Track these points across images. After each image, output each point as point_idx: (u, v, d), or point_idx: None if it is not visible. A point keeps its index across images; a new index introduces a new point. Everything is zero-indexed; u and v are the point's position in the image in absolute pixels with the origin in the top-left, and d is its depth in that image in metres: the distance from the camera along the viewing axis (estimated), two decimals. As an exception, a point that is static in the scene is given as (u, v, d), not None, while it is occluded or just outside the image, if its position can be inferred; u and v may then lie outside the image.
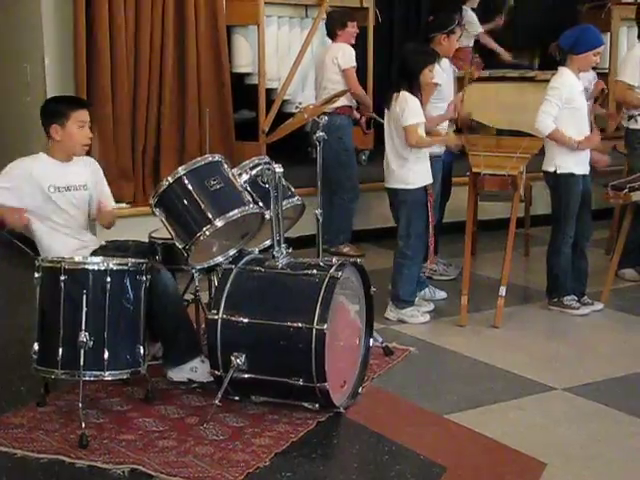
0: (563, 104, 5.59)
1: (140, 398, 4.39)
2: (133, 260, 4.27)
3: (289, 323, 4.11)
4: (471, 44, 8.90)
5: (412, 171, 5.54)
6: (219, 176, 4.38)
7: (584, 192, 5.76)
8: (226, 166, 4.47)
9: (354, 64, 7.24)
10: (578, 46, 5.60)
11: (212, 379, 4.39)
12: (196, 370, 4.48)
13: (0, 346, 5.21)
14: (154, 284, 4.35)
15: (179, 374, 4.50)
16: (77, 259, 4.26)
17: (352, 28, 7.32)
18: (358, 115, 7.69)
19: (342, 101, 6.87)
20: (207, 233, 4.27)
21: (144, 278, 4.23)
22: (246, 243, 4.61)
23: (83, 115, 4.57)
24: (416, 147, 5.48)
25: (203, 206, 4.29)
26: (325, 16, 7.68)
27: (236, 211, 4.31)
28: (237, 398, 4.32)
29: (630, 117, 6.67)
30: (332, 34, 7.38)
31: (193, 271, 4.68)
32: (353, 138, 7.56)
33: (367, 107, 7.67)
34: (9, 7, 7.52)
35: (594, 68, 6.57)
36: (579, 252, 5.87)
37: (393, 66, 8.61)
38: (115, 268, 4.14)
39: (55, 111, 4.54)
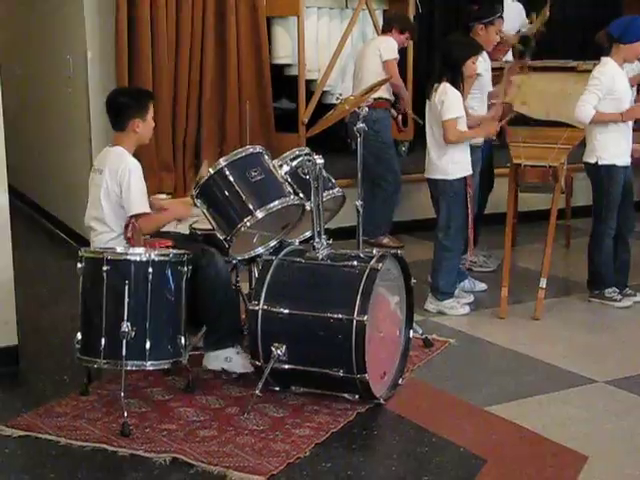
0: (604, 94, 5.54)
1: (181, 388, 4.42)
2: (174, 251, 4.30)
3: (329, 314, 4.12)
4: (513, 31, 8.80)
5: (452, 162, 5.53)
6: (260, 167, 4.40)
7: (625, 183, 5.71)
8: (267, 157, 4.48)
9: (396, 56, 7.24)
10: (627, 35, 5.54)
11: (245, 371, 4.46)
12: (230, 360, 4.51)
13: (44, 335, 5.28)
14: (207, 266, 4.41)
15: (214, 362, 4.54)
16: (119, 250, 4.29)
17: (406, 39, 7.44)
18: (395, 113, 7.68)
19: (380, 94, 6.86)
20: (248, 224, 4.29)
21: (185, 269, 4.25)
22: (287, 234, 4.62)
23: (152, 106, 4.65)
24: (455, 143, 5.46)
25: (244, 197, 4.31)
26: (371, 7, 7.70)
27: (277, 202, 4.32)
28: (277, 389, 4.34)
29: None
30: (386, 29, 7.40)
31: (234, 262, 4.70)
32: (392, 130, 7.54)
33: (404, 100, 7.64)
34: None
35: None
36: (622, 244, 5.83)
37: (434, 57, 8.58)
38: (157, 259, 4.16)
39: (138, 105, 4.57)
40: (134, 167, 4.47)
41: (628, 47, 5.57)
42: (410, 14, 8.05)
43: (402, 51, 7.61)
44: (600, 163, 5.65)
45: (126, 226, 4.44)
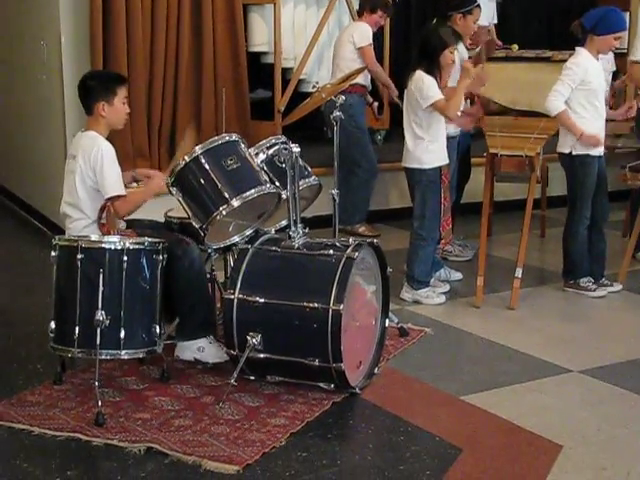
0: (577, 85, 5.55)
1: (156, 377, 4.40)
2: (150, 239, 4.27)
3: (305, 303, 4.11)
4: (486, 23, 8.79)
5: (427, 151, 5.52)
6: (236, 155, 4.38)
7: (599, 173, 5.73)
8: (243, 145, 4.46)
9: (370, 42, 7.18)
10: (600, 27, 5.54)
11: (218, 360, 4.45)
12: (203, 350, 4.50)
13: (17, 324, 5.24)
14: (183, 256, 4.38)
15: (187, 353, 4.52)
16: (94, 238, 4.26)
17: (380, 17, 7.33)
18: (371, 99, 7.65)
19: (356, 80, 6.83)
20: (224, 213, 4.27)
21: (160, 257, 4.22)
22: (262, 223, 4.61)
23: (125, 91, 4.57)
24: (456, 111, 5.45)
25: (220, 186, 4.29)
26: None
27: (253, 191, 4.30)
28: (253, 378, 4.32)
29: None
30: (360, 13, 7.38)
31: (209, 250, 4.68)
32: (369, 119, 7.52)
33: (385, 85, 7.62)
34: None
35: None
36: (597, 234, 5.85)
37: (411, 45, 8.57)
38: (132, 247, 4.13)
39: (104, 88, 4.48)
40: (106, 150, 4.41)
41: (601, 39, 5.57)
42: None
43: (379, 40, 7.59)
44: (574, 153, 5.66)
45: (102, 209, 4.40)
